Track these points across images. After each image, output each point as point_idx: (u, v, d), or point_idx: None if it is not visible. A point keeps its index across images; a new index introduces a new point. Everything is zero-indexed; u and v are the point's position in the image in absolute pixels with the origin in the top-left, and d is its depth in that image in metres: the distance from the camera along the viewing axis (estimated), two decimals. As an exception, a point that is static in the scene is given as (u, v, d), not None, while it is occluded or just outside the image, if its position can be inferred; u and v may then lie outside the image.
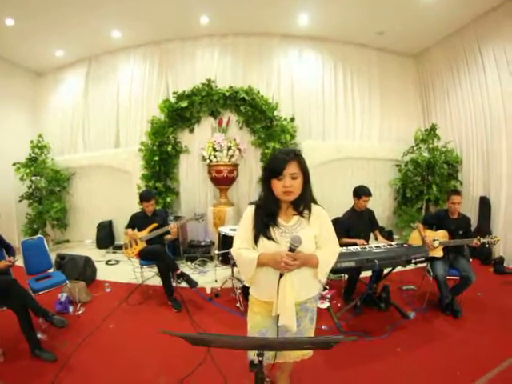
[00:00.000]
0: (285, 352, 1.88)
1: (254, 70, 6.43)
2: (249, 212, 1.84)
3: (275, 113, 6.12)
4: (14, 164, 6.36)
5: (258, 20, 5.91)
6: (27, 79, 7.52)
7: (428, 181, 6.22)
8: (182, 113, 6.29)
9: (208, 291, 4.35)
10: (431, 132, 6.09)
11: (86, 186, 7.24)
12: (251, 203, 1.87)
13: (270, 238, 1.72)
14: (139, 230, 4.23)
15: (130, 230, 4.20)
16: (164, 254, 3.99)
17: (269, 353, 1.72)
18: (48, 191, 6.74)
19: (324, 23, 5.99)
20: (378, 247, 3.47)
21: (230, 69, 6.45)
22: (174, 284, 4.09)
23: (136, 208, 5.40)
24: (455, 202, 3.65)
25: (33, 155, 6.61)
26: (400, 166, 6.52)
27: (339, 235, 3.70)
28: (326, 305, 3.87)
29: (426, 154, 6.11)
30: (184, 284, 4.14)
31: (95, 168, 7.05)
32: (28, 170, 6.41)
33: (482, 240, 3.53)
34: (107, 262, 5.72)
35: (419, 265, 3.98)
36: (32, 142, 6.67)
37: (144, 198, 4.26)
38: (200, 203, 6.61)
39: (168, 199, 6.34)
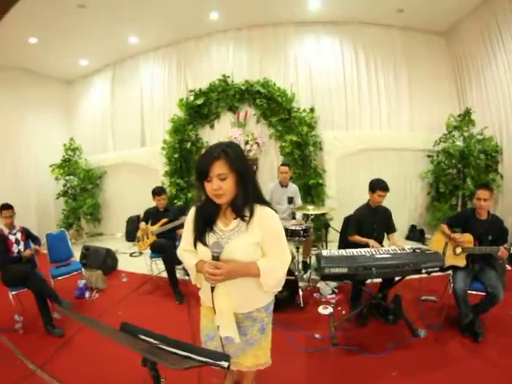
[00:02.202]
0: (236, 360, 1.74)
1: (271, 62, 6.12)
2: (190, 214, 1.67)
3: (293, 104, 5.77)
4: (51, 166, 6.88)
5: (270, 10, 5.59)
6: (59, 88, 8.03)
7: (463, 173, 5.42)
8: (199, 110, 6.23)
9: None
10: (465, 117, 5.31)
11: (116, 183, 7.51)
12: (196, 204, 1.66)
13: (205, 244, 1.54)
14: (152, 224, 4.33)
15: (143, 224, 4.32)
16: (169, 248, 4.00)
17: None
18: (81, 189, 7.15)
19: (338, 5, 5.47)
20: (384, 252, 2.90)
21: (246, 62, 6.22)
22: (179, 277, 4.10)
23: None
24: (481, 198, 2.89)
25: (66, 157, 7.09)
26: (432, 157, 5.74)
27: (349, 231, 3.38)
28: (328, 311, 3.43)
29: (459, 143, 5.34)
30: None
31: (124, 166, 7.28)
32: (62, 171, 6.94)
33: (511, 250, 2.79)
34: (131, 254, 5.88)
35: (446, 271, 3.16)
36: (65, 144, 7.17)
37: (155, 192, 4.36)
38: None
39: (189, 195, 6.29)
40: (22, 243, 3.59)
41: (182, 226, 4.13)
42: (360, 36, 6.00)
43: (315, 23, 5.97)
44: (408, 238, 5.77)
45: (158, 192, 4.36)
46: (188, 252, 1.69)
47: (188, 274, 4.03)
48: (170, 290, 4.05)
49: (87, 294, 4.07)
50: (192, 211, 1.67)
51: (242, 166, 1.48)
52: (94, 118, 7.85)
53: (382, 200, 3.43)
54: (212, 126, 6.41)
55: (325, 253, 2.93)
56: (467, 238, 2.98)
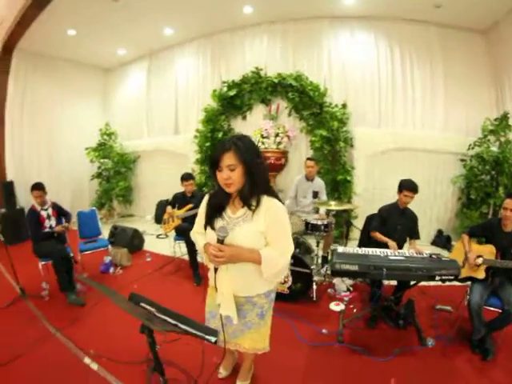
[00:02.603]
0: (235, 340, 1.89)
1: (304, 56, 6.06)
2: (204, 200, 1.82)
3: (325, 99, 5.71)
4: (86, 149, 7.22)
5: (304, 4, 5.52)
6: (97, 76, 8.42)
7: (497, 181, 5.14)
8: (232, 101, 6.31)
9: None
10: (502, 122, 5.03)
11: (149, 167, 7.77)
12: (210, 192, 1.84)
13: (213, 228, 1.66)
14: (178, 208, 4.55)
15: (169, 208, 4.55)
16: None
17: (221, 335, 1.70)
18: (115, 171, 7.48)
19: (373, 0, 5.32)
20: (399, 254, 2.83)
21: (279, 55, 6.19)
22: (200, 260, 4.20)
23: None
24: (507, 208, 2.70)
25: (102, 141, 7.41)
26: (465, 162, 5.41)
27: (372, 226, 3.38)
28: (340, 308, 3.38)
29: (494, 149, 5.07)
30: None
31: (157, 152, 7.53)
32: (97, 154, 7.26)
33: None
34: (158, 236, 6.16)
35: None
36: (101, 129, 7.51)
37: (183, 178, 4.57)
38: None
39: (217, 183, 6.45)
40: (53, 218, 3.84)
41: None
42: (395, 32, 5.79)
43: (350, 18, 5.82)
44: (434, 243, 5.59)
45: (186, 177, 4.53)
46: (200, 235, 1.83)
47: None
48: (190, 271, 4.24)
49: (111, 270, 4.45)
50: (206, 198, 1.82)
51: (251, 159, 1.57)
52: (129, 105, 8.14)
53: (409, 201, 3.33)
54: (244, 118, 6.49)
55: (340, 249, 2.93)
56: (488, 249, 2.82)
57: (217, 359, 2.07)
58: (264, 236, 1.65)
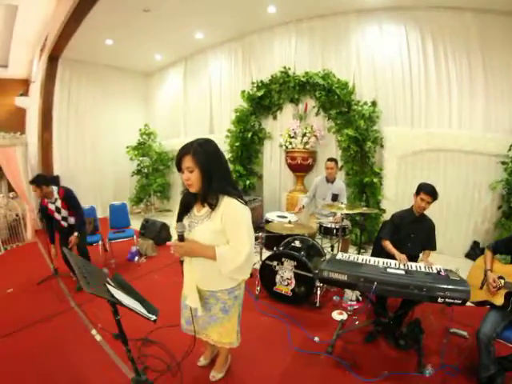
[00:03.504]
0: (205, 331, 2.04)
1: (332, 53, 5.82)
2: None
3: (353, 97, 5.47)
4: (127, 147, 7.77)
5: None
6: (138, 80, 8.99)
7: None
8: (261, 101, 6.34)
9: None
10: None
11: None
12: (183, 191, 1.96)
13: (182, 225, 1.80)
14: None
15: None
16: None
17: (191, 326, 1.95)
18: (153, 169, 7.93)
19: None
20: (402, 267, 2.55)
21: (307, 54, 6.04)
22: None
23: None
24: None
25: (141, 140, 7.88)
26: (507, 164, 4.66)
27: (383, 234, 3.17)
28: (342, 317, 3.21)
29: None
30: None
31: None
32: (136, 152, 7.76)
33: None
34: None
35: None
36: (140, 129, 7.98)
37: None
38: (280, 188, 6.68)
39: (248, 182, 6.55)
40: (64, 211, 3.88)
41: None
42: (427, 21, 5.21)
43: (377, 10, 5.39)
44: (468, 255, 5.01)
45: None
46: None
47: None
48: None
49: (136, 258, 4.87)
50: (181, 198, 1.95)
51: (208, 163, 1.68)
52: (168, 106, 8.61)
53: (426, 206, 2.99)
54: (275, 117, 6.51)
55: (339, 256, 2.78)
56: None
57: (203, 350, 2.36)
58: (223, 234, 1.74)
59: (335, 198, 4.51)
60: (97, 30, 6.02)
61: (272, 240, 4.03)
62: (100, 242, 4.62)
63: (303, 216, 5.06)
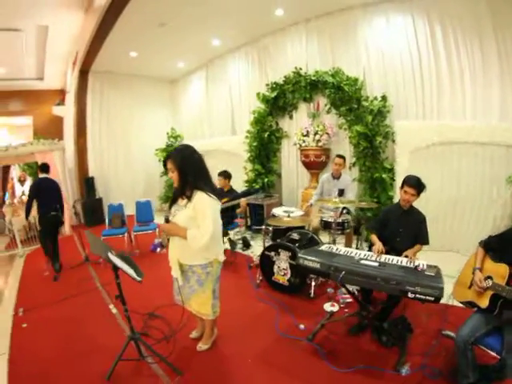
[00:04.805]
0: (188, 301, 2.43)
1: (342, 50, 5.77)
2: None
3: (362, 92, 5.39)
4: (156, 150, 8.39)
5: None
6: (164, 86, 9.55)
7: None
8: (276, 102, 6.47)
9: (254, 259, 4.65)
10: None
11: (210, 165, 8.16)
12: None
13: (171, 212, 2.33)
14: None
15: None
16: None
17: (179, 296, 2.38)
18: None
19: None
20: (376, 260, 2.53)
21: (318, 53, 6.05)
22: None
23: (241, 185, 6.65)
24: None
25: (169, 143, 8.50)
26: None
27: (369, 227, 3.28)
28: (333, 308, 3.22)
29: None
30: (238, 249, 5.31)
31: (217, 152, 8.00)
32: (164, 154, 8.18)
33: None
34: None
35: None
36: (168, 133, 8.64)
37: (219, 173, 5.23)
38: (298, 185, 6.79)
39: (266, 180, 6.72)
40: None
41: (238, 205, 4.98)
42: (435, 9, 4.88)
43: (383, 2, 5.24)
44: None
45: (218, 174, 5.23)
46: None
47: (234, 246, 4.94)
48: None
49: (158, 249, 5.40)
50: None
51: (183, 165, 2.15)
52: (192, 110, 9.03)
53: (410, 199, 2.91)
54: (291, 117, 6.62)
55: (323, 247, 2.88)
56: (501, 271, 2.08)
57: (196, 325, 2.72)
58: (194, 220, 2.17)
59: (341, 193, 4.46)
60: (120, 44, 6.57)
61: (278, 233, 4.20)
62: (126, 234, 5.24)
63: (313, 212, 5.12)
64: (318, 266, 2.47)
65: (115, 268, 2.24)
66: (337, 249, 2.81)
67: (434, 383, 2.23)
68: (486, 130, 4.66)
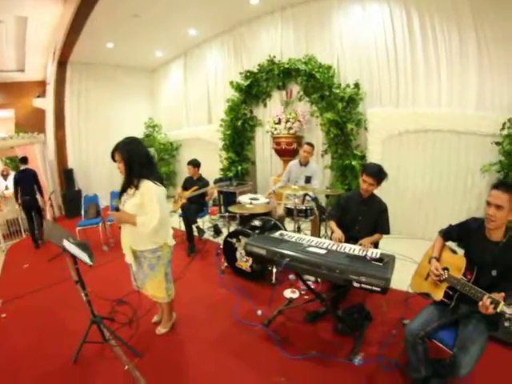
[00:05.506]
0: (144, 286, 2.52)
1: (317, 38, 5.62)
2: None
3: (335, 80, 5.26)
4: None
5: None
6: (144, 76, 9.38)
7: None
8: (250, 90, 6.34)
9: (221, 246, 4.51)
10: None
11: (189, 154, 8.06)
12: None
13: (121, 200, 2.37)
14: (186, 189, 5.00)
15: (179, 189, 5.11)
16: (188, 209, 4.69)
17: (135, 282, 2.52)
18: (159, 159, 8.35)
19: None
20: (325, 247, 2.41)
21: (292, 41, 5.92)
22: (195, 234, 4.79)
23: (216, 173, 6.65)
24: (492, 204, 1.77)
25: (147, 132, 8.35)
26: (501, 145, 4.07)
27: (328, 215, 3.13)
28: (292, 295, 3.12)
29: None
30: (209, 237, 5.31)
31: (194, 140, 8.09)
32: (142, 144, 8.12)
33: (501, 308, 1.58)
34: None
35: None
36: (145, 122, 8.51)
37: (189, 162, 5.07)
38: (272, 173, 6.69)
39: (240, 168, 6.64)
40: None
41: (206, 193, 4.85)
42: None
43: None
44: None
45: (188, 163, 5.07)
46: None
47: (202, 234, 4.76)
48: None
49: None
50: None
51: (129, 157, 2.22)
52: (171, 99, 8.94)
53: (368, 188, 2.79)
54: (265, 105, 6.51)
55: (277, 234, 2.76)
56: (458, 263, 1.96)
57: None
58: (142, 207, 2.24)
59: (308, 180, 4.41)
60: (96, 36, 6.49)
61: (245, 220, 4.22)
62: (101, 224, 5.15)
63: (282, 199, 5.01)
64: (263, 252, 2.41)
65: (73, 254, 2.26)
66: (289, 235, 2.70)
67: (389, 375, 2.14)
68: (461, 118, 4.54)
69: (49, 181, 7.30)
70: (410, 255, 3.68)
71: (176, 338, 2.69)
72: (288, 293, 3.19)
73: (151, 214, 2.20)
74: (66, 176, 7.63)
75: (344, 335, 2.55)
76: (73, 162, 8.02)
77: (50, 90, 7.85)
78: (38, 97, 8.17)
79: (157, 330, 2.74)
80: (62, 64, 7.57)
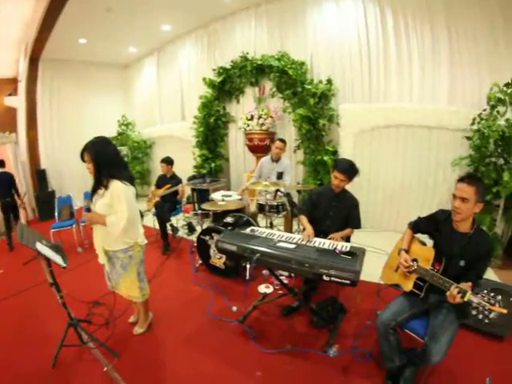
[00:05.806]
0: (118, 286, 2.47)
1: (290, 35, 5.60)
2: None
3: (308, 76, 5.25)
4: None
5: None
6: (117, 72, 9.10)
7: (503, 163, 3.78)
8: (223, 87, 6.25)
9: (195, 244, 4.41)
10: None
11: (163, 152, 7.76)
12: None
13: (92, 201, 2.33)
14: (160, 187, 4.92)
15: (153, 187, 5.08)
16: (162, 208, 4.62)
17: (109, 282, 2.48)
18: (132, 157, 8.13)
19: None
20: (295, 242, 2.41)
21: (266, 37, 5.87)
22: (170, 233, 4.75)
23: (190, 171, 6.53)
24: (457, 197, 1.81)
25: (120, 130, 8.10)
26: (471, 140, 4.04)
27: (299, 210, 2.97)
28: (267, 290, 3.11)
29: (502, 122, 3.74)
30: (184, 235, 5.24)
31: (168, 138, 7.91)
32: (115, 142, 7.77)
33: (468, 297, 1.62)
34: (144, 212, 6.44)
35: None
36: (118, 120, 8.22)
37: (162, 160, 4.96)
38: (245, 169, 6.61)
39: (213, 165, 6.53)
40: None
41: (178, 192, 4.73)
42: None
43: None
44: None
45: (161, 161, 4.99)
46: None
47: (176, 231, 4.67)
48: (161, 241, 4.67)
49: None
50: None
51: (97, 157, 2.18)
52: (145, 96, 8.73)
53: (339, 184, 2.74)
54: (238, 101, 6.42)
55: (248, 230, 2.72)
56: (427, 254, 1.99)
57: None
58: (111, 207, 2.21)
59: (280, 176, 4.37)
60: (68, 31, 6.24)
61: (218, 217, 4.16)
62: (75, 226, 4.95)
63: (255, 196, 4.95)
64: (234, 248, 2.38)
65: (46, 257, 2.17)
66: (260, 231, 2.67)
67: (364, 365, 2.18)
68: (433, 113, 4.54)
69: (22, 182, 7.01)
70: (383, 248, 3.68)
71: (153, 337, 2.68)
72: (262, 288, 3.20)
73: (120, 215, 2.18)
74: (39, 177, 7.26)
75: (319, 328, 2.57)
76: (45, 163, 7.66)
77: (22, 87, 7.55)
78: (10, 95, 7.87)
79: (134, 331, 2.73)
80: (33, 61, 7.26)
